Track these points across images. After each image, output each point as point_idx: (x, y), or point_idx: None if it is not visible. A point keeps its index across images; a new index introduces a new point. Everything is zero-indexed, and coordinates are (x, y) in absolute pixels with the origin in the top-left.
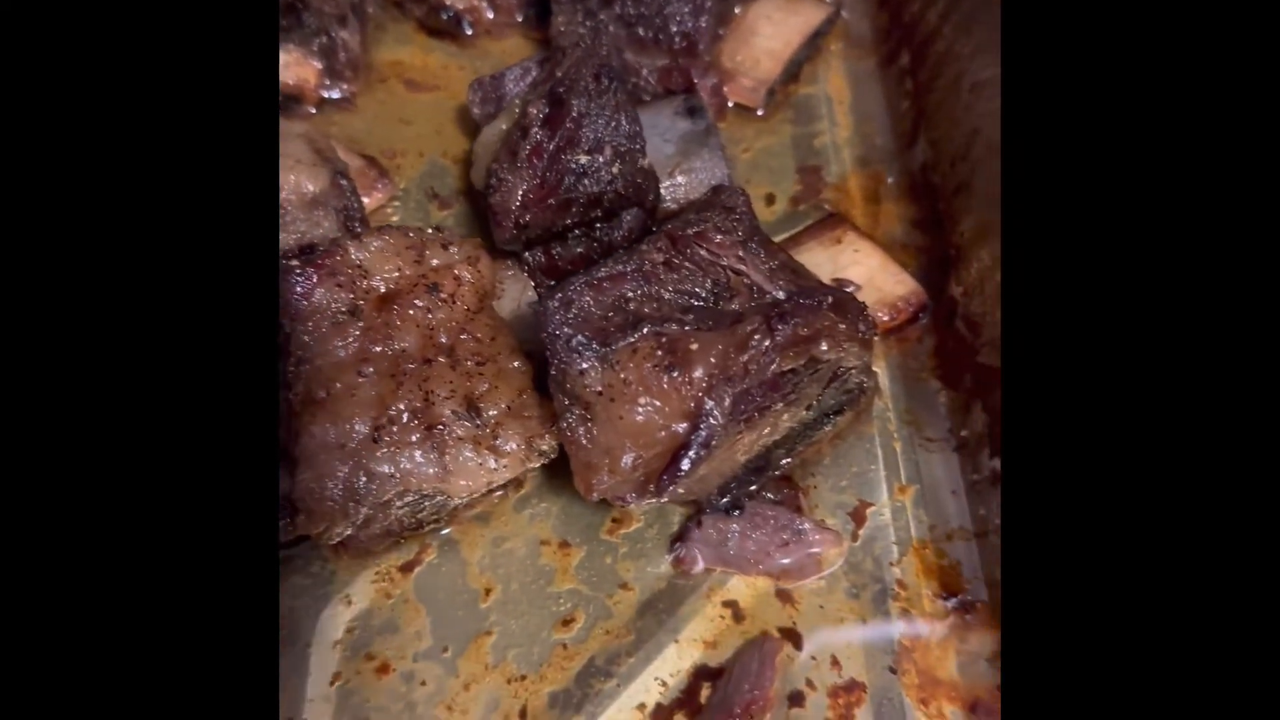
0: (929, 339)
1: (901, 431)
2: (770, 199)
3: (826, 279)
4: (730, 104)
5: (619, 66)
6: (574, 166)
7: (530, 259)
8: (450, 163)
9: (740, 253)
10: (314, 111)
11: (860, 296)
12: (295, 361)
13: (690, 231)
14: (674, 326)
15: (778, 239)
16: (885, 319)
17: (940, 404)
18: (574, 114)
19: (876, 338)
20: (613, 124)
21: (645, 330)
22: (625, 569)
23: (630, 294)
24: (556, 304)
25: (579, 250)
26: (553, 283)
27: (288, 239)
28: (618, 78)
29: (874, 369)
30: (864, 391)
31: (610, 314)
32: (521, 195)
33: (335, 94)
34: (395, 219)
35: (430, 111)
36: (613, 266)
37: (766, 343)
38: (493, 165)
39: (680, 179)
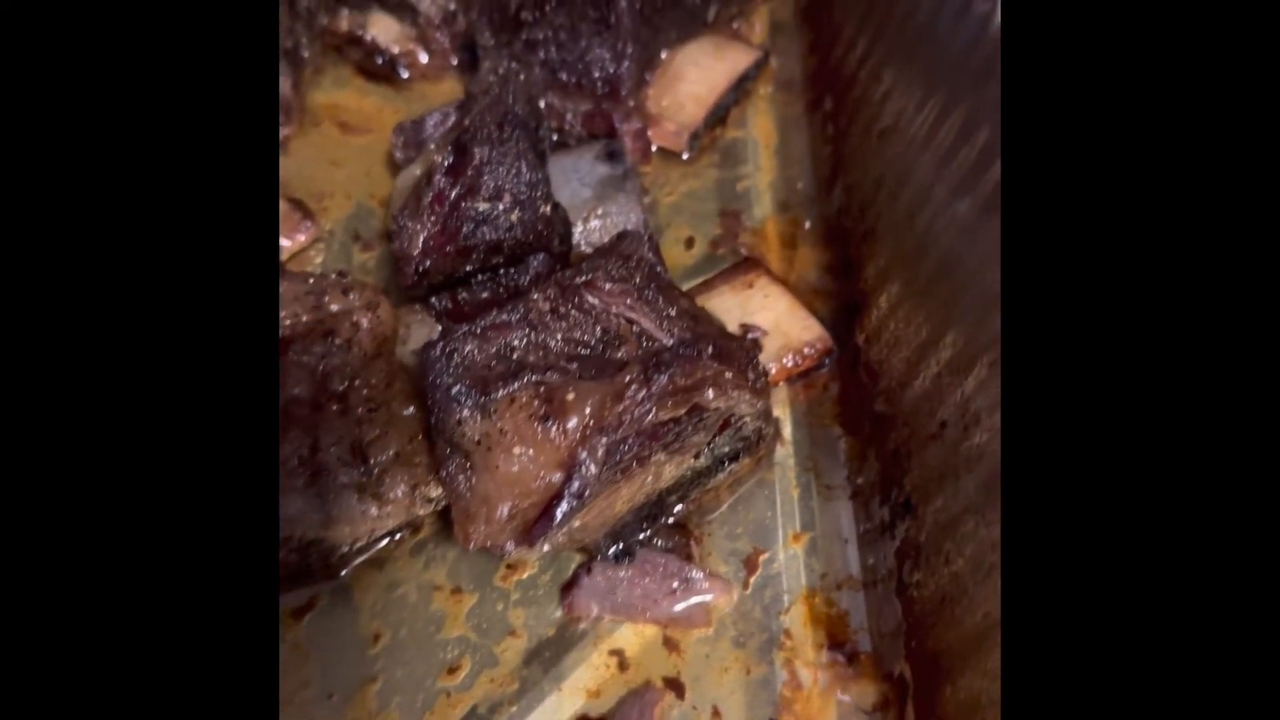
0: (834, 385)
1: (801, 478)
2: (689, 243)
3: (734, 324)
4: (655, 148)
5: (528, 114)
6: (473, 214)
7: (436, 304)
8: (377, 205)
9: (631, 300)
10: None
11: (766, 342)
12: None
13: (579, 280)
14: (555, 376)
15: (692, 283)
16: (790, 365)
17: (840, 450)
18: (475, 162)
19: (783, 383)
20: (513, 171)
21: (525, 380)
22: (516, 616)
23: (516, 343)
24: (439, 353)
25: (484, 295)
26: (454, 324)
27: None
28: (521, 126)
29: (776, 415)
30: (763, 438)
31: (493, 363)
32: (422, 242)
33: None
34: (318, 261)
35: (361, 154)
36: (499, 315)
37: (642, 393)
38: (396, 213)
39: (595, 223)
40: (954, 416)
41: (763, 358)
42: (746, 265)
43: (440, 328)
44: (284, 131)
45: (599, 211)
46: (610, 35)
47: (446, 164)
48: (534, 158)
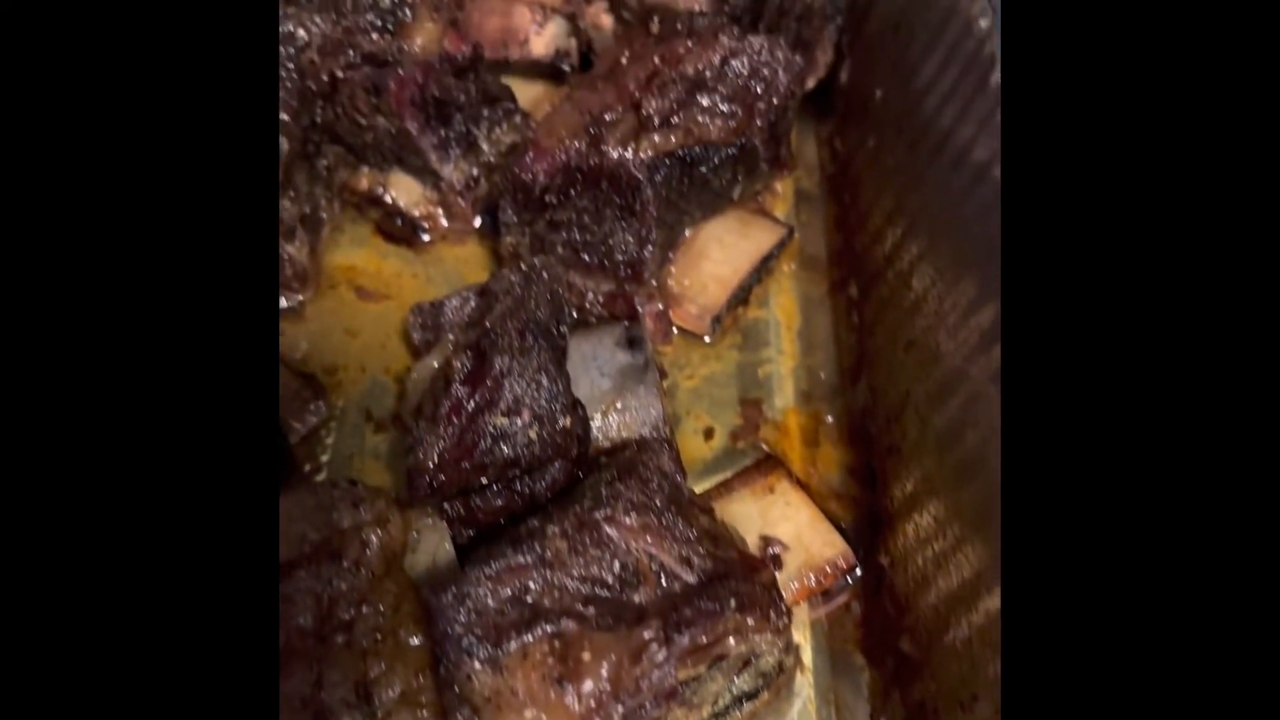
0: (857, 605)
1: (822, 712)
2: (709, 433)
3: (754, 534)
4: (676, 329)
5: (550, 316)
6: (491, 430)
7: (449, 509)
8: (391, 380)
9: (651, 536)
10: None
11: (787, 558)
12: None
13: (599, 515)
14: (571, 623)
15: (711, 480)
16: (812, 584)
17: (863, 685)
18: (495, 371)
19: (803, 602)
20: (533, 385)
21: (540, 629)
22: None
23: (532, 584)
24: (450, 599)
25: (499, 503)
26: (472, 533)
27: None
28: (543, 334)
29: (796, 640)
30: (783, 670)
31: (507, 608)
32: (437, 456)
33: (284, 303)
34: (329, 441)
35: (377, 323)
36: (514, 557)
37: (661, 654)
38: (411, 415)
39: (614, 418)
40: (987, 692)
41: (783, 576)
42: (767, 466)
43: (451, 534)
44: (300, 297)
45: (618, 405)
46: (635, 221)
47: (465, 370)
48: (555, 368)
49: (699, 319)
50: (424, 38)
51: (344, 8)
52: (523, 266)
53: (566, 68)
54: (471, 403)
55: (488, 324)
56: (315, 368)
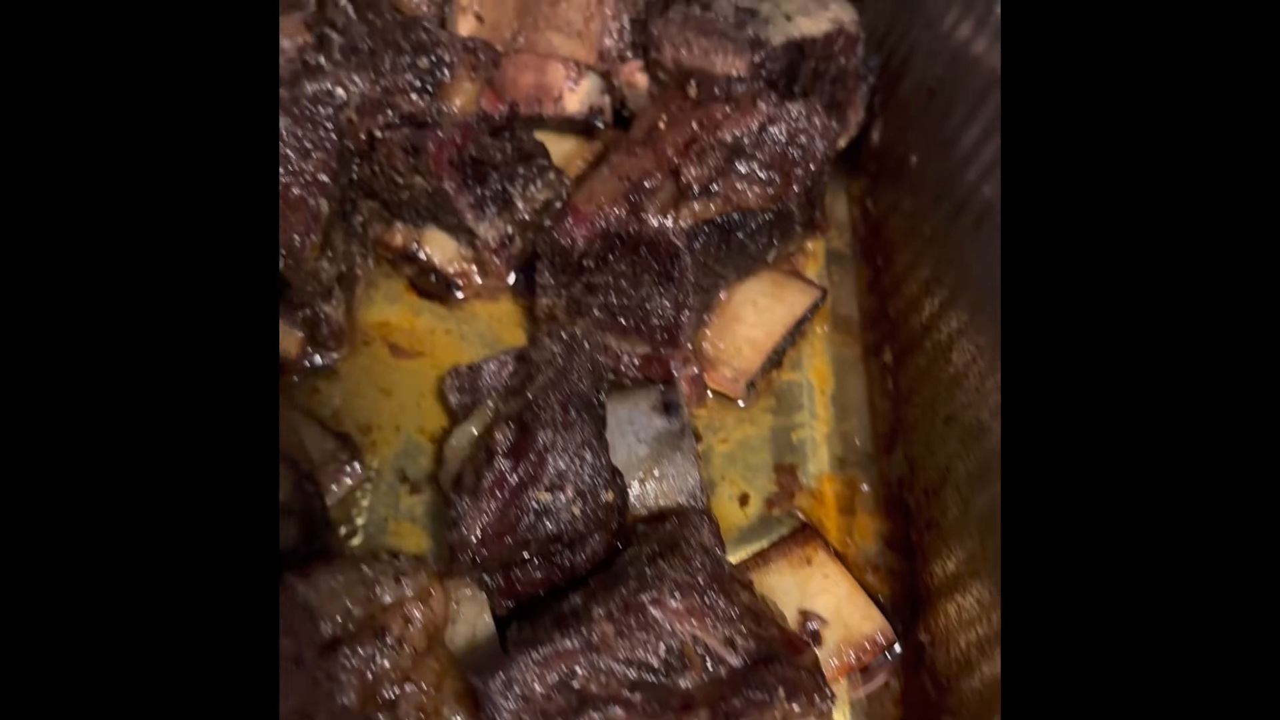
0: (895, 682)
1: None
2: (744, 499)
3: (792, 607)
4: (710, 392)
5: (591, 387)
6: (534, 506)
7: (488, 580)
8: (426, 440)
9: (695, 618)
10: (296, 380)
11: (826, 633)
12: None
13: (645, 598)
14: (620, 711)
15: (747, 549)
16: (851, 660)
17: None
18: (538, 446)
19: (842, 679)
20: (577, 460)
21: (589, 718)
22: None
23: (579, 670)
24: (499, 685)
25: (539, 575)
26: (510, 604)
27: None
28: (585, 407)
29: (836, 717)
30: None
31: (555, 693)
32: (480, 530)
33: (318, 361)
34: (365, 503)
35: (411, 381)
36: (560, 641)
37: None
38: (450, 485)
39: (651, 486)
40: None
41: (822, 652)
42: (804, 537)
43: (490, 606)
44: (334, 355)
45: (655, 473)
46: (672, 287)
47: (508, 443)
48: (597, 442)
49: (734, 383)
50: (463, 98)
51: (383, 67)
52: (563, 335)
53: (600, 125)
54: (514, 477)
55: (530, 395)
56: (350, 427)
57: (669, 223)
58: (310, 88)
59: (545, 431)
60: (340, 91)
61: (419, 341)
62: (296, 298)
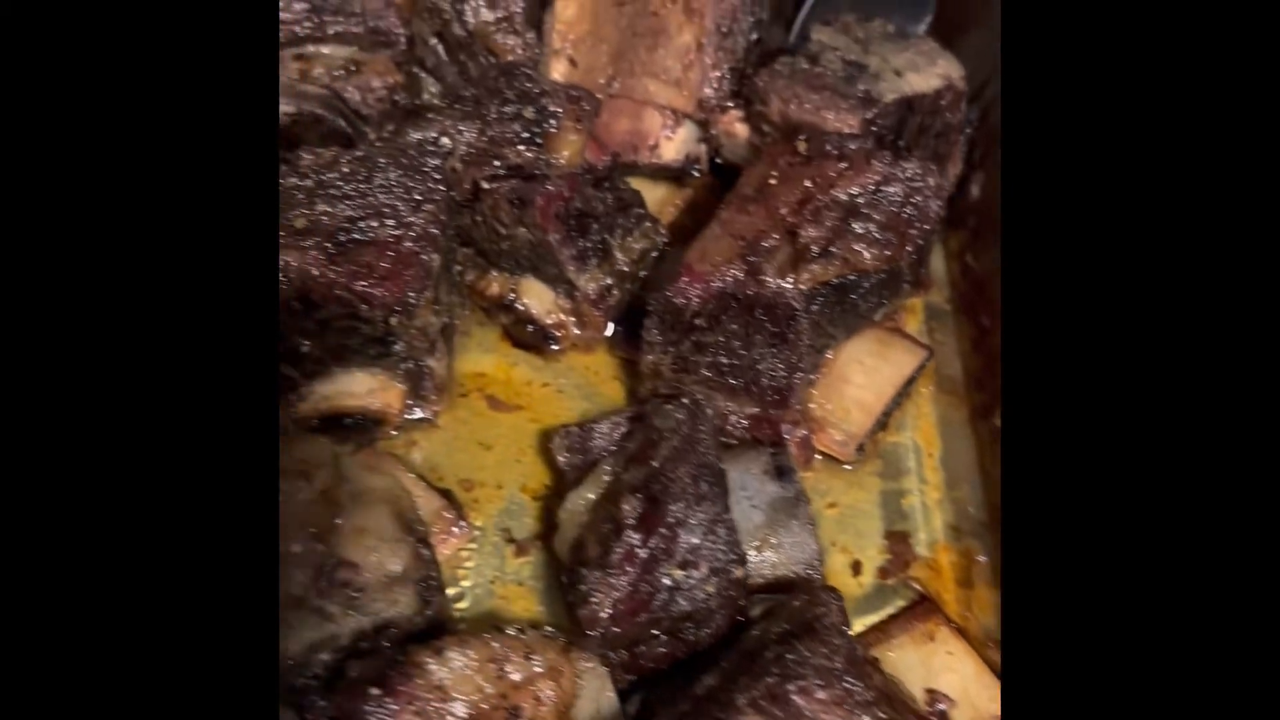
0: None
1: None
2: (856, 567)
3: (918, 685)
4: (818, 454)
5: (714, 453)
6: (667, 583)
7: (613, 656)
8: (529, 499)
9: (838, 708)
10: (395, 434)
11: (954, 714)
12: None
13: (791, 688)
14: None
15: (866, 621)
16: None
17: None
18: (669, 520)
19: None
20: (710, 536)
21: None
22: None
23: None
24: None
25: (663, 650)
26: (633, 678)
27: (363, 621)
28: (715, 478)
29: None
30: None
31: None
32: (612, 606)
33: (417, 414)
34: (470, 564)
35: (511, 435)
36: None
37: None
38: (581, 567)
39: (768, 555)
40: None
41: None
42: (924, 611)
43: (612, 682)
44: (433, 409)
45: (772, 541)
46: (786, 348)
47: (636, 515)
48: (729, 516)
49: (843, 446)
50: (569, 150)
51: (489, 116)
52: (684, 402)
53: (696, 173)
54: (645, 551)
55: (655, 465)
56: (451, 483)
57: (788, 285)
58: (415, 135)
59: (676, 505)
60: (446, 140)
61: (516, 394)
62: (403, 350)
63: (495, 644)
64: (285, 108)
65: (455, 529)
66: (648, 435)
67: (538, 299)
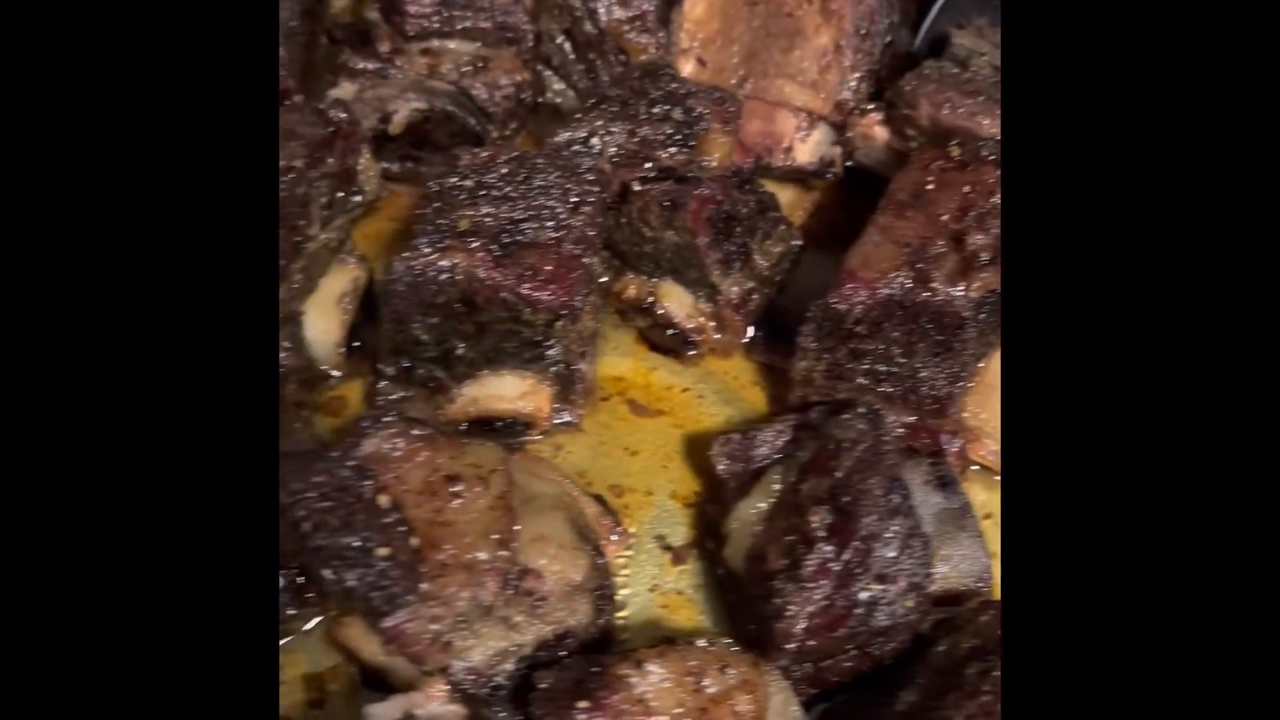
0: None
1: None
2: None
3: None
4: (973, 465)
5: (901, 470)
6: (865, 598)
7: (796, 670)
8: (679, 505)
9: None
10: (539, 438)
11: None
12: None
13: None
14: None
15: None
16: None
17: None
18: (863, 534)
19: None
20: (906, 551)
21: None
22: None
23: None
24: None
25: (848, 664)
26: (814, 692)
27: (544, 631)
28: (907, 494)
29: None
30: None
31: None
32: (808, 619)
33: (565, 418)
34: (627, 572)
35: (656, 440)
36: None
37: None
38: (774, 582)
39: (942, 568)
40: None
41: None
42: None
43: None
44: (579, 413)
45: (943, 553)
46: (950, 358)
47: (827, 526)
48: (924, 531)
49: (998, 457)
50: (719, 152)
51: (639, 117)
52: (863, 410)
53: (830, 176)
54: (839, 564)
55: (840, 475)
56: (601, 488)
57: (959, 292)
58: (563, 136)
59: (869, 517)
60: (596, 141)
61: (657, 399)
62: (558, 355)
63: (691, 657)
64: (417, 104)
65: (613, 536)
66: (824, 444)
67: (677, 302)
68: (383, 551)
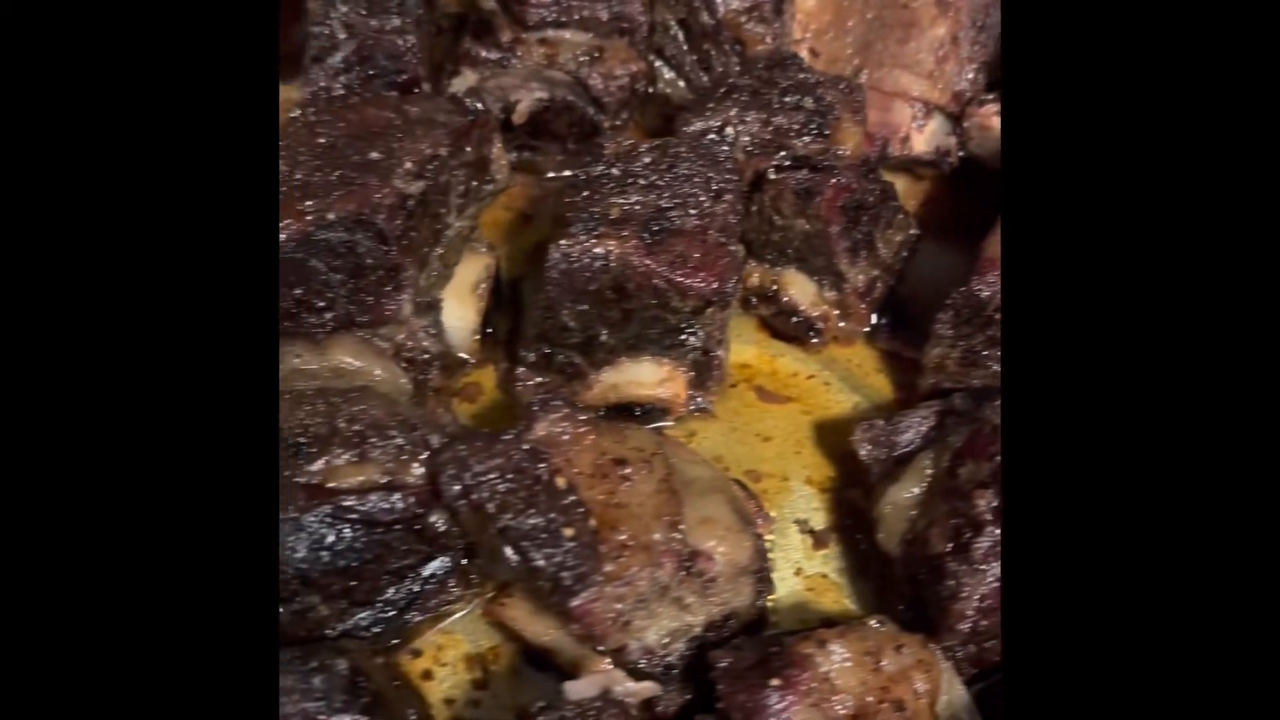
0: None
1: None
2: None
3: None
4: None
5: None
6: None
7: (960, 650)
8: (815, 490)
9: None
10: (672, 423)
11: None
12: None
13: None
14: None
15: None
16: None
17: None
18: None
19: None
20: None
21: None
22: None
23: None
24: None
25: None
26: (975, 671)
27: (713, 612)
28: None
29: None
30: None
31: None
32: (980, 600)
33: (699, 402)
34: (772, 555)
35: (787, 426)
36: None
37: None
38: (945, 565)
39: None
40: None
41: None
42: None
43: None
44: (711, 399)
45: None
46: None
47: (994, 510)
48: None
49: None
50: (851, 142)
51: (772, 106)
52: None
53: (946, 166)
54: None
55: (1000, 459)
56: (738, 474)
57: None
58: (697, 125)
59: None
60: (730, 131)
61: (784, 385)
62: (697, 342)
63: (868, 636)
64: (539, 93)
65: (759, 520)
66: (979, 429)
67: (801, 290)
68: (569, 531)
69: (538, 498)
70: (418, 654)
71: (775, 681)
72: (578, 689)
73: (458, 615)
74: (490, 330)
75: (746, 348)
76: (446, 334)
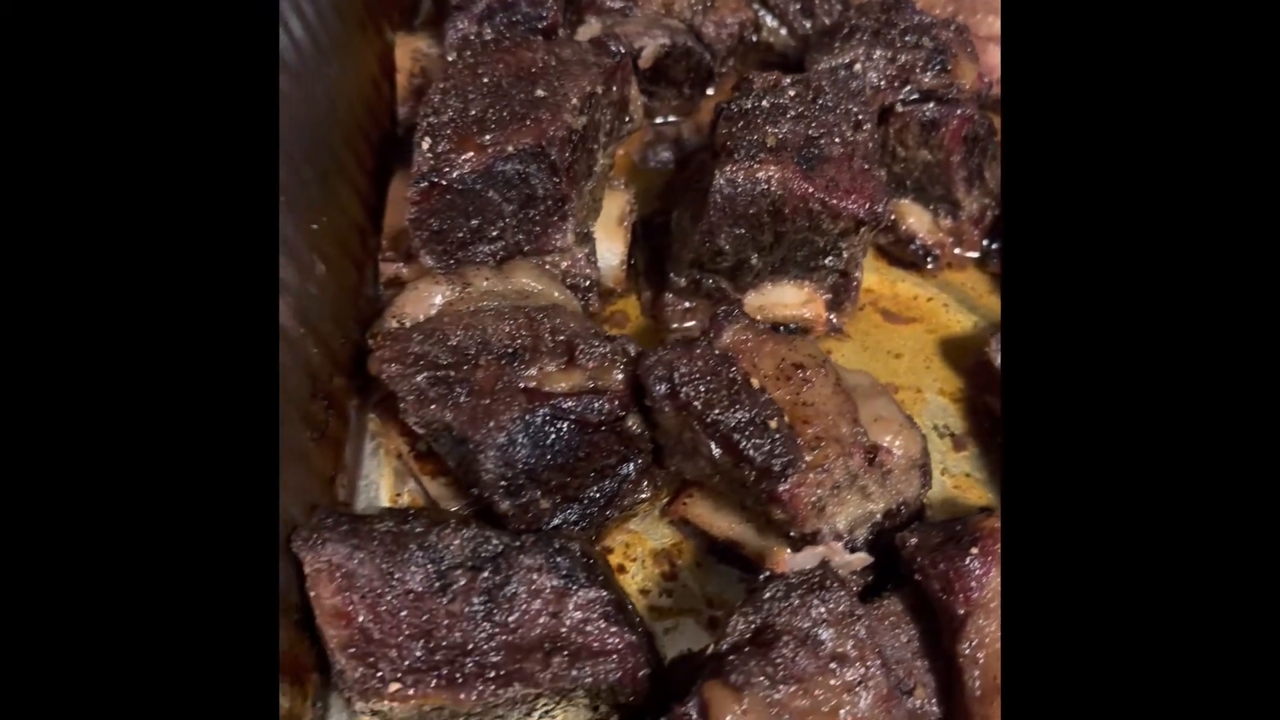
0: None
1: None
2: None
3: None
4: None
5: None
6: None
7: None
8: (949, 400)
9: None
10: (813, 341)
11: None
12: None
13: None
14: None
15: None
16: None
17: None
18: None
19: None
20: None
21: None
22: None
23: None
24: None
25: None
26: None
27: (890, 499)
28: None
29: None
30: None
31: None
32: None
33: (834, 322)
34: None
35: (915, 345)
36: None
37: None
38: None
39: None
40: None
41: None
42: None
43: None
44: (844, 319)
45: None
46: None
47: None
48: None
49: None
50: (968, 78)
51: (895, 44)
52: None
53: None
54: None
55: None
56: None
57: None
58: (827, 63)
59: None
60: (859, 67)
61: (907, 308)
62: (835, 264)
63: None
64: (660, 39)
65: None
66: None
67: (918, 219)
68: (774, 424)
69: (739, 395)
70: (609, 550)
71: (974, 550)
72: (800, 559)
73: (640, 516)
74: (633, 262)
75: (868, 274)
76: (598, 265)
